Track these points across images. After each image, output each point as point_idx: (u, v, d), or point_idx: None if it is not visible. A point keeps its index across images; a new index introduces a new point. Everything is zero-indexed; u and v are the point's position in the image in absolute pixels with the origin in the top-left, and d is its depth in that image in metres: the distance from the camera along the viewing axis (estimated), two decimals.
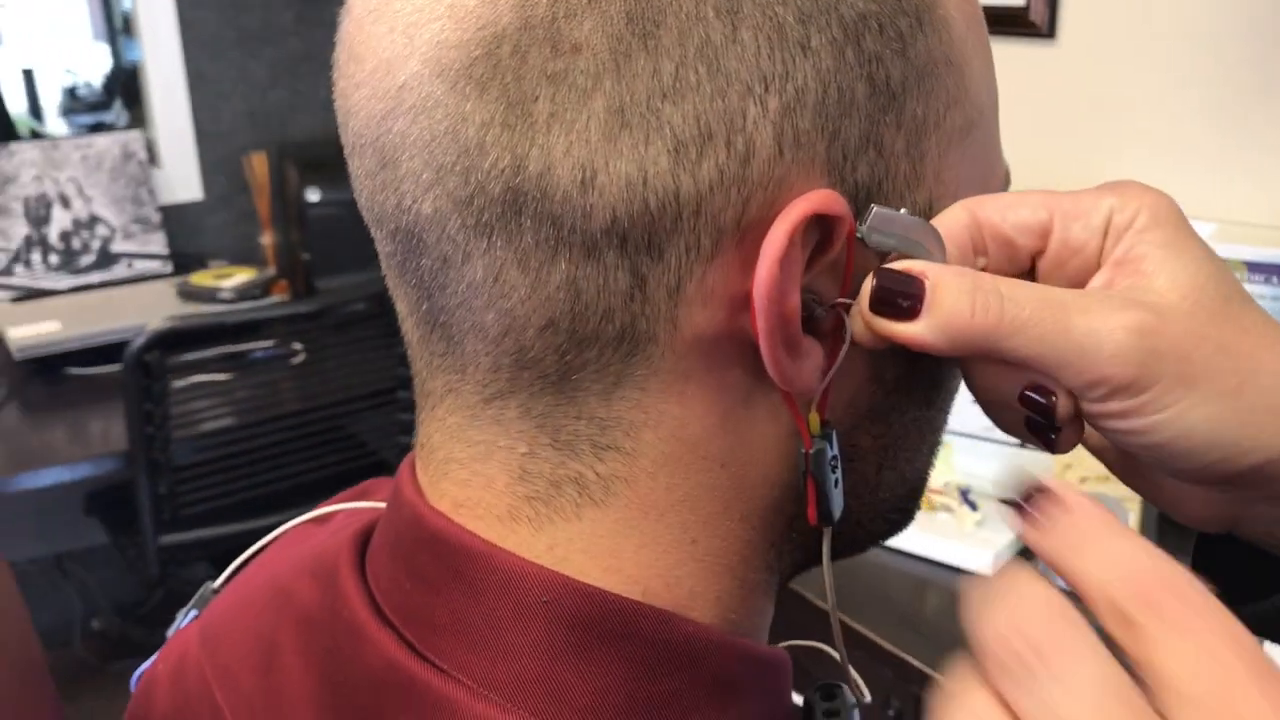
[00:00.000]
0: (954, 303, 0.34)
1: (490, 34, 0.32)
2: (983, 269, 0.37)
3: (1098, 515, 0.28)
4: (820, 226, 0.33)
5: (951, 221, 0.36)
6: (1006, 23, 1.63)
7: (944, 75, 0.35)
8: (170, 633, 0.52)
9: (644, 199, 0.32)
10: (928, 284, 0.34)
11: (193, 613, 0.52)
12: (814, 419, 0.36)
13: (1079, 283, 0.36)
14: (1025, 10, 1.62)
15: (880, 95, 0.34)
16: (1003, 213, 0.36)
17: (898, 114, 0.34)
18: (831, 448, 0.37)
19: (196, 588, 0.53)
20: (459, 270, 0.34)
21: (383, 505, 0.52)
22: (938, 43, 0.35)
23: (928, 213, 0.36)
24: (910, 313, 0.34)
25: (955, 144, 0.36)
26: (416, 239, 0.35)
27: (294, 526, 0.53)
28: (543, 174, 0.32)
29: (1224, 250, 1.39)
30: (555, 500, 0.36)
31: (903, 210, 0.35)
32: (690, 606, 0.37)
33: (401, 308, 0.39)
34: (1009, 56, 1.64)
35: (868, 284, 0.34)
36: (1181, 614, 0.26)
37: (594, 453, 0.36)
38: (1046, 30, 1.61)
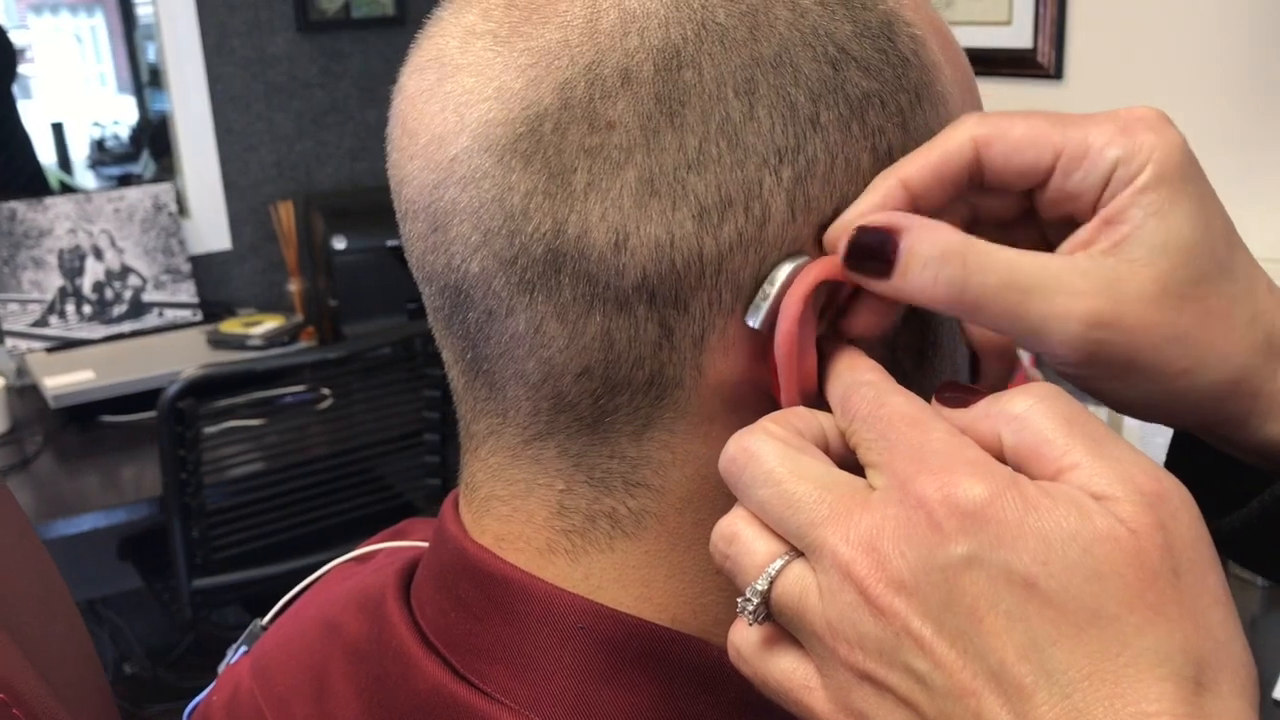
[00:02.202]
0: (918, 274, 0.34)
1: (534, 113, 0.35)
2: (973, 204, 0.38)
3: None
4: (830, 288, 0.37)
5: (954, 153, 0.36)
6: (1014, 64, 1.67)
7: None
8: (222, 668, 0.54)
9: (671, 259, 0.35)
10: (902, 246, 0.34)
11: (243, 649, 0.55)
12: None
13: (1065, 228, 0.36)
14: (1032, 52, 1.65)
15: (882, 163, 0.37)
16: (1008, 156, 0.36)
17: None
18: None
19: (229, 631, 0.55)
20: (503, 323, 0.38)
21: (421, 545, 0.55)
22: (935, 115, 0.38)
23: None
24: (884, 271, 0.35)
25: None
26: (464, 295, 0.38)
27: (337, 566, 0.56)
28: (580, 237, 0.35)
29: None
30: (590, 533, 0.39)
31: None
32: (715, 632, 0.40)
33: (448, 356, 0.42)
34: (1016, 98, 1.67)
35: (847, 237, 0.35)
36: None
37: (626, 489, 0.39)
38: (1054, 71, 1.64)
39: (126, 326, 2.50)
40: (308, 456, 2.01)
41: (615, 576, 0.39)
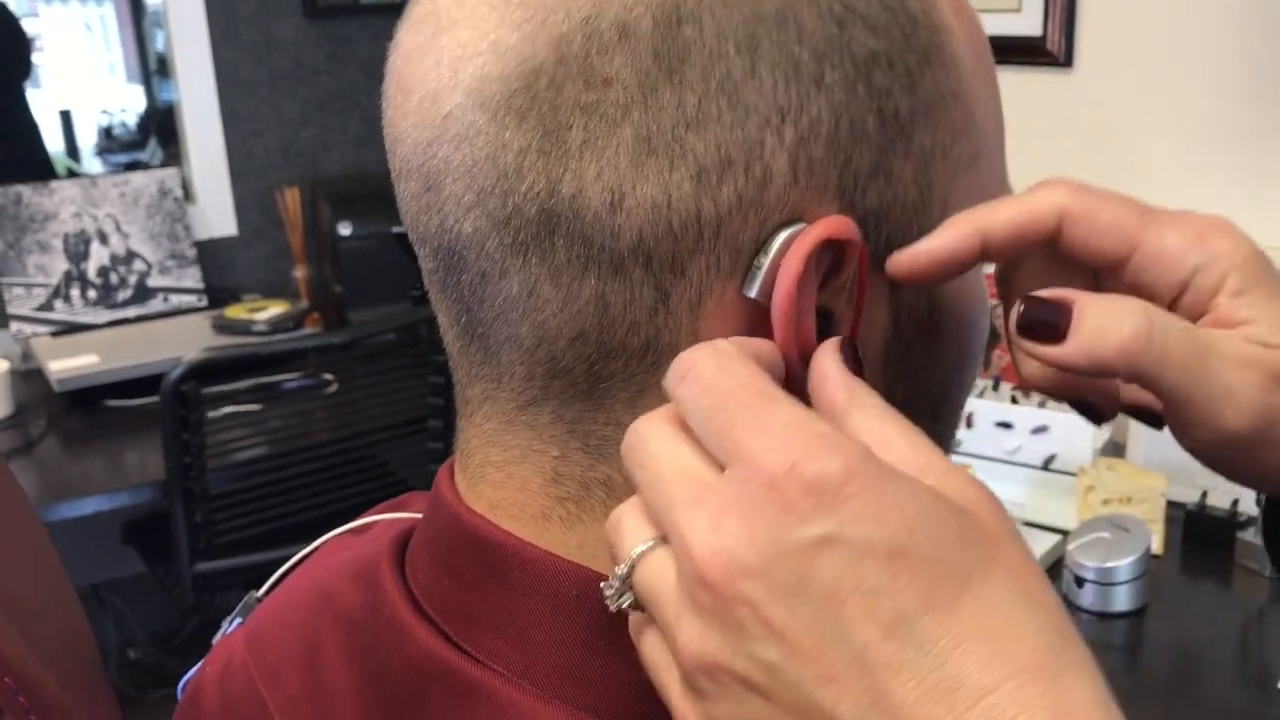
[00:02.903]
0: (1099, 325, 0.35)
1: (529, 68, 0.34)
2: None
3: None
4: (833, 250, 0.36)
5: (1040, 220, 0.37)
6: (1024, 52, 1.66)
7: (951, 108, 0.38)
8: (217, 639, 0.54)
9: (668, 220, 0.35)
10: (1075, 309, 0.35)
11: (237, 620, 0.54)
12: None
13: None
14: (1042, 40, 1.64)
15: (889, 127, 0.36)
16: (1088, 239, 0.37)
17: (906, 144, 0.37)
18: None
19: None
20: (496, 285, 0.37)
21: (418, 515, 0.55)
22: (945, 78, 0.37)
23: None
24: (1056, 336, 0.35)
25: (962, 173, 0.39)
26: (457, 256, 0.38)
27: (334, 536, 0.56)
28: (575, 197, 0.35)
29: None
30: (585, 500, 0.39)
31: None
32: None
33: (443, 320, 0.42)
34: (1026, 86, 1.66)
35: (1015, 310, 0.36)
36: None
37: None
38: (1064, 59, 1.63)
39: (131, 311, 2.51)
40: (311, 442, 2.01)
41: None
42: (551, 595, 0.38)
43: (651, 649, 0.33)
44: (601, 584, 0.33)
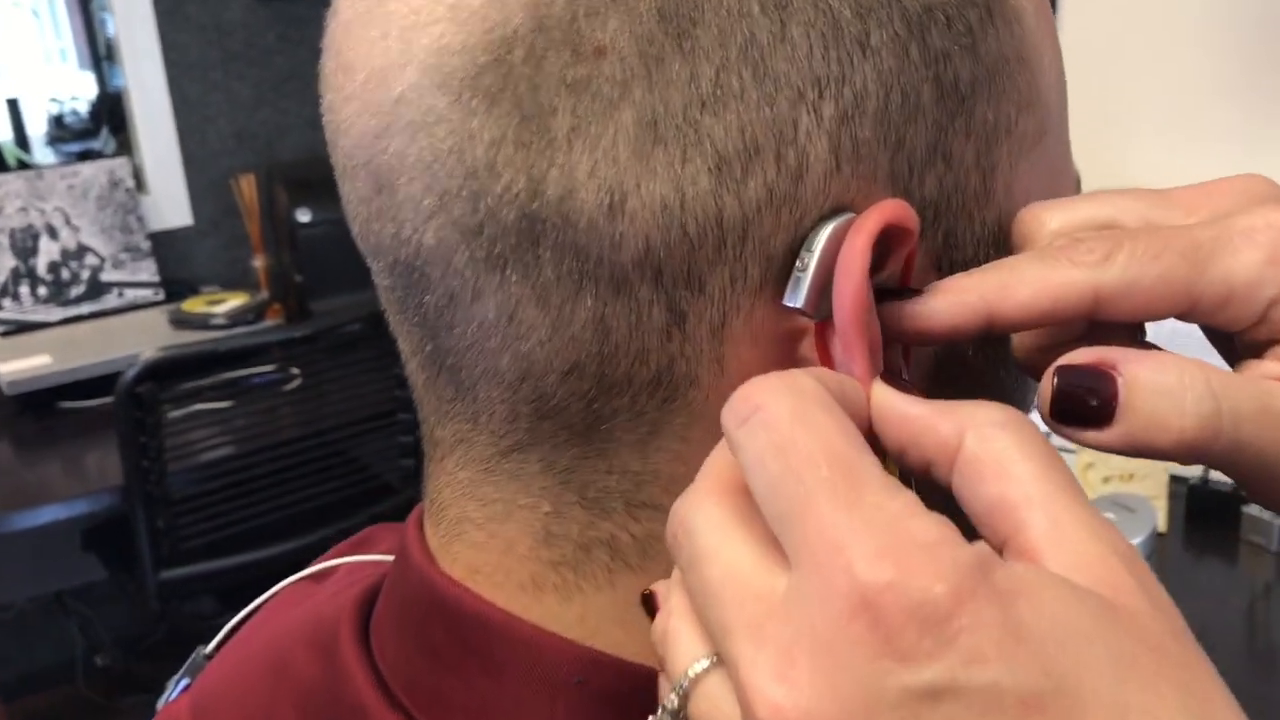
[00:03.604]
0: (1154, 412, 0.27)
1: (499, 37, 0.28)
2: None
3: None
4: (878, 244, 0.29)
5: (1068, 302, 0.29)
6: None
7: (1016, 74, 0.31)
8: (161, 704, 0.48)
9: (682, 224, 0.28)
10: (1121, 384, 0.28)
11: (184, 681, 0.49)
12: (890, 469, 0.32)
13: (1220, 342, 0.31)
14: None
15: (949, 99, 0.30)
16: (1137, 310, 0.29)
17: (967, 119, 0.30)
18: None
19: (201, 622, 0.49)
20: (468, 309, 0.30)
21: (385, 559, 0.48)
22: (1009, 37, 0.31)
23: (996, 232, 0.32)
24: (1099, 417, 0.28)
25: (1026, 153, 0.32)
26: (418, 273, 0.31)
27: (290, 584, 0.49)
28: (564, 198, 0.28)
29: None
30: (585, 565, 0.32)
31: None
32: None
33: (404, 347, 0.35)
34: None
35: (1047, 384, 0.29)
36: None
37: (628, 511, 0.32)
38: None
39: (85, 308, 2.43)
40: (277, 439, 1.95)
41: (617, 617, 0.32)
42: (547, 681, 0.32)
43: None
44: (650, 718, 0.26)
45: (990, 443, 0.25)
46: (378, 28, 0.30)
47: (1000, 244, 0.32)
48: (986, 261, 0.32)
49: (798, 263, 0.29)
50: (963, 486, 0.25)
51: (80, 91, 4.50)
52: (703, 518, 0.26)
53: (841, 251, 0.28)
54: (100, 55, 4.16)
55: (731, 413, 0.26)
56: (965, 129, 0.30)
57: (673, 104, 0.27)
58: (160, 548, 1.84)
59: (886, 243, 0.29)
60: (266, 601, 0.50)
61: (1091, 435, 0.28)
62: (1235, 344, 0.30)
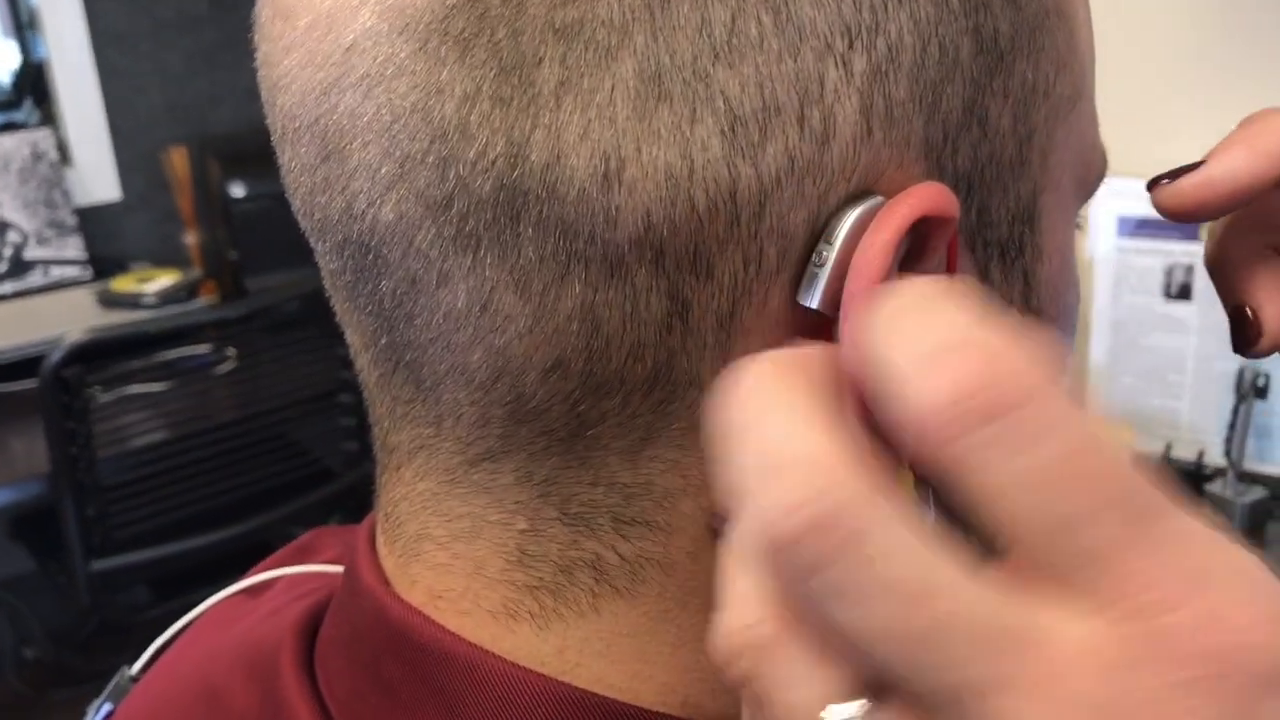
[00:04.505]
0: None
1: None
2: None
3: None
4: (913, 231, 0.25)
5: None
6: None
7: (1055, 30, 0.28)
8: None
9: (689, 197, 0.24)
10: None
11: (106, 707, 0.44)
12: (905, 476, 0.28)
13: None
14: None
15: (988, 54, 0.26)
16: None
17: (1005, 78, 0.27)
18: (929, 511, 0.28)
19: (134, 613, 0.45)
20: (433, 295, 0.26)
21: (330, 570, 0.44)
22: None
23: (1030, 207, 0.28)
24: None
25: (1062, 117, 0.29)
26: (374, 254, 0.27)
27: (223, 599, 0.45)
28: (550, 166, 0.24)
29: None
30: (565, 590, 0.28)
31: None
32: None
33: (354, 340, 0.30)
34: None
35: None
36: None
37: (616, 529, 0.28)
38: None
39: (7, 287, 2.36)
40: (213, 423, 1.91)
41: (601, 649, 0.29)
42: None
43: None
44: None
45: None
46: None
47: (1034, 220, 0.29)
48: (1022, 239, 0.28)
49: (816, 255, 0.25)
50: None
51: (1, 61, 4.36)
52: (878, 519, 0.18)
53: (860, 247, 0.24)
54: (22, 23, 4.04)
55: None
56: (1003, 89, 0.27)
57: (680, 54, 0.23)
58: (90, 537, 1.79)
59: (923, 232, 0.26)
60: (197, 618, 0.45)
61: None
62: None
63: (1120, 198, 1.41)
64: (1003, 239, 0.28)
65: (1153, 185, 0.32)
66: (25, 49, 4.06)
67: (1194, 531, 0.18)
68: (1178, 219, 0.31)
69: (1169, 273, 1.36)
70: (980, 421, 0.17)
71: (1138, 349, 1.38)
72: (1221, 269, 0.34)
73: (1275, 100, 1.19)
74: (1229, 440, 1.28)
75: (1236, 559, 0.18)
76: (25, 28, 3.97)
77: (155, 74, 2.57)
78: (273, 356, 1.94)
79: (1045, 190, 0.29)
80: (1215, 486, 1.30)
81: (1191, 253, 1.34)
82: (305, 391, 1.94)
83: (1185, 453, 1.34)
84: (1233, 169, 0.30)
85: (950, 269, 0.27)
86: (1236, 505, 1.26)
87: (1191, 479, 1.32)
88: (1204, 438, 1.34)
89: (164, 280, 2.29)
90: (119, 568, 1.82)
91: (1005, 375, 0.17)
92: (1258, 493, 1.28)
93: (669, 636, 0.28)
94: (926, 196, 0.25)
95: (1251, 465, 1.29)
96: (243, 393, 1.95)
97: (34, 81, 3.54)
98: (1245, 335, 0.33)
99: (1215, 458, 1.33)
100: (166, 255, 2.53)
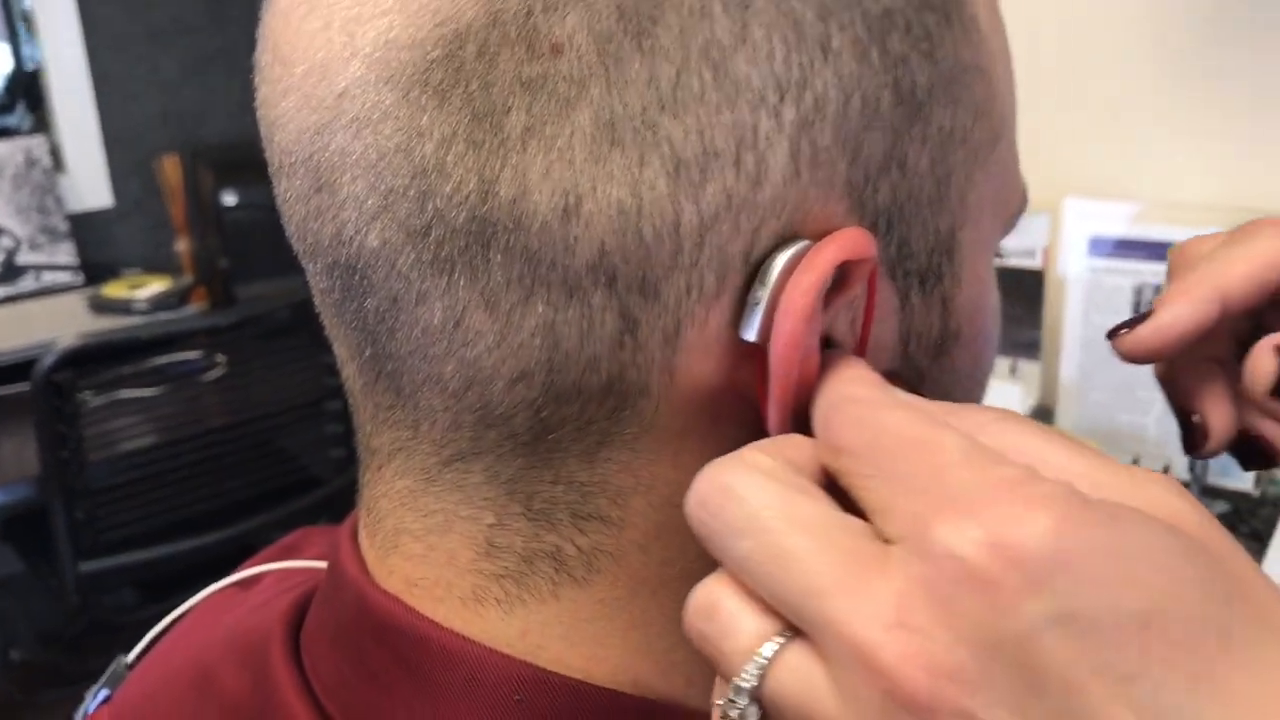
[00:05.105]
0: None
1: (451, 31, 0.26)
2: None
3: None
4: (839, 268, 0.29)
5: (1275, 264, 0.35)
6: None
7: (972, 81, 0.31)
8: (78, 716, 0.46)
9: (638, 229, 0.27)
10: None
11: (103, 693, 0.46)
12: None
13: None
14: None
15: (906, 104, 0.29)
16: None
17: (924, 126, 0.30)
18: None
19: (122, 614, 0.47)
20: (412, 313, 0.29)
21: (317, 566, 0.46)
22: (966, 44, 0.31)
23: (949, 240, 0.31)
24: None
25: (980, 160, 0.32)
26: (360, 275, 0.29)
27: (216, 591, 0.47)
28: (516, 200, 0.27)
29: (1147, 231, 1.37)
30: (528, 579, 0.31)
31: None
32: (690, 696, 0.32)
33: (341, 352, 0.33)
34: None
35: (1267, 364, 0.34)
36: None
37: (574, 523, 0.31)
38: None
39: (0, 292, 2.36)
40: (201, 428, 1.90)
41: (561, 632, 0.31)
42: (486, 700, 0.31)
43: None
44: (716, 701, 0.25)
45: (1006, 438, 0.25)
46: (319, 19, 0.28)
47: (952, 252, 0.32)
48: (940, 269, 0.32)
49: (751, 294, 0.28)
50: None
51: None
52: (758, 486, 0.25)
53: (787, 288, 0.28)
54: (16, 28, 4.04)
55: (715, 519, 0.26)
56: (921, 136, 0.30)
57: (631, 105, 0.26)
58: (80, 539, 1.79)
59: (846, 268, 0.29)
60: (190, 609, 0.48)
61: None
62: None
63: (1091, 220, 1.44)
64: (922, 268, 0.31)
65: (1114, 334, 0.37)
66: (19, 54, 4.06)
67: (950, 463, 0.24)
68: (1139, 362, 0.36)
69: (1138, 292, 1.39)
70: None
71: (1107, 366, 1.41)
72: (1171, 382, 0.39)
73: (1243, 130, 1.23)
74: None
75: (996, 469, 0.24)
76: (19, 33, 3.97)
77: (149, 82, 2.57)
78: (262, 364, 1.94)
79: (963, 225, 0.32)
80: None
81: (1160, 273, 1.37)
82: (293, 398, 1.94)
83: (1152, 467, 1.38)
84: (1178, 318, 0.35)
85: (870, 297, 0.30)
86: None
87: None
88: (1170, 453, 1.37)
89: (155, 287, 2.30)
90: (107, 569, 1.82)
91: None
92: (1221, 507, 1.31)
93: (621, 622, 0.31)
94: (846, 242, 0.28)
95: (1215, 480, 1.32)
96: (232, 399, 1.95)
97: (28, 87, 3.55)
98: (1194, 439, 0.38)
99: (1180, 472, 1.35)
100: (158, 262, 2.53)
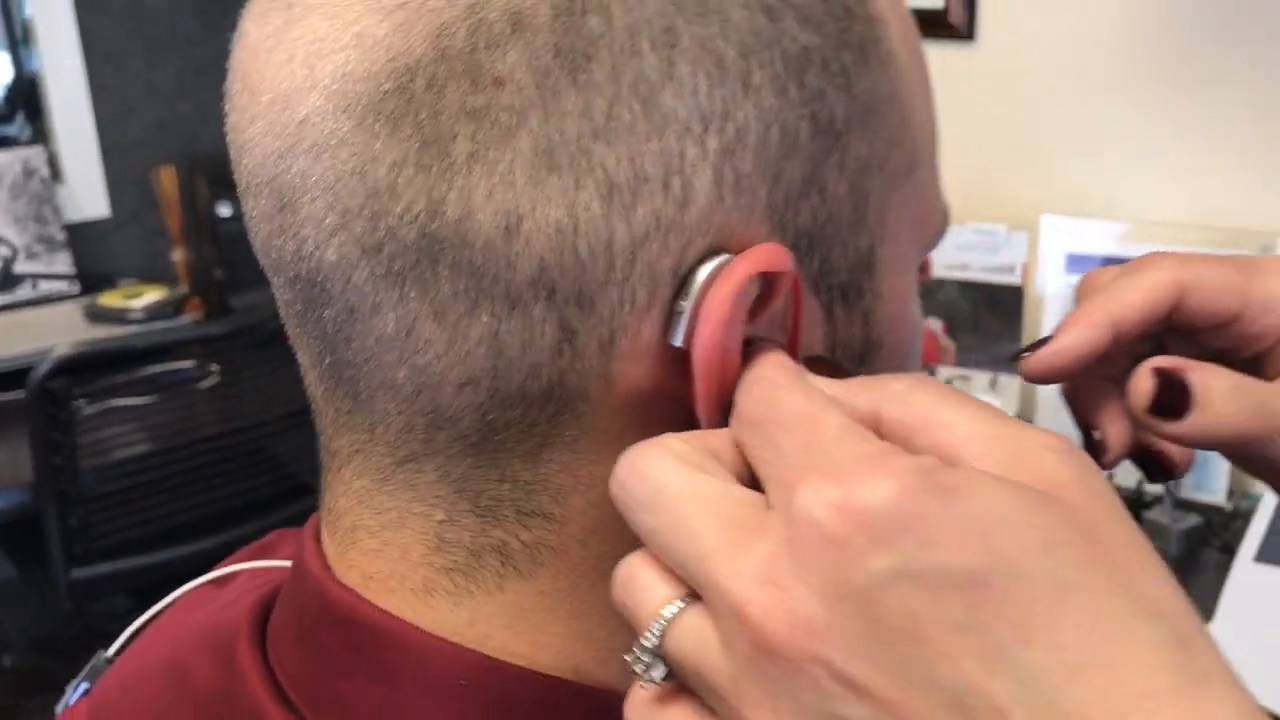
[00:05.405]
0: (1222, 407, 0.36)
1: (402, 65, 0.29)
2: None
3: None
4: (764, 278, 0.31)
5: (1162, 296, 0.38)
6: (926, 25, 1.63)
7: (888, 113, 0.33)
8: (60, 709, 0.48)
9: (574, 247, 0.29)
10: (1196, 387, 0.36)
11: (83, 686, 0.48)
12: None
13: (1252, 369, 0.39)
14: (944, 12, 1.61)
15: (824, 135, 0.31)
16: (1205, 303, 0.38)
17: (841, 155, 0.32)
18: None
19: (114, 621, 0.49)
20: (367, 323, 0.31)
21: (287, 564, 0.48)
22: (882, 78, 0.33)
23: (868, 257, 0.34)
24: (1175, 412, 0.36)
25: (897, 185, 0.34)
26: (319, 288, 0.32)
27: (192, 589, 0.49)
28: (462, 220, 0.29)
29: (1125, 249, 1.40)
30: (476, 571, 0.33)
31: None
32: (626, 681, 0.34)
33: (303, 360, 0.36)
34: (929, 59, 1.63)
35: (1145, 384, 0.37)
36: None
37: (518, 519, 0.33)
38: (965, 32, 1.61)
39: None
40: (195, 436, 1.93)
41: (505, 622, 0.33)
42: (435, 685, 0.33)
43: None
44: (626, 656, 0.28)
45: (910, 405, 0.28)
46: (284, 52, 0.31)
47: (872, 268, 0.34)
48: (861, 284, 0.34)
49: (677, 304, 0.30)
50: None
51: None
52: (662, 463, 0.28)
53: (708, 297, 0.30)
54: (17, 38, 4.05)
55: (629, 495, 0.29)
56: (839, 163, 0.32)
57: (567, 133, 0.29)
58: (72, 545, 1.81)
59: (770, 281, 0.31)
60: (168, 606, 0.50)
61: (1170, 426, 0.37)
62: (1260, 369, 0.39)
63: (1069, 237, 1.47)
64: (843, 284, 0.34)
65: (1017, 356, 0.40)
66: (19, 63, 4.08)
67: (822, 436, 0.27)
68: (1041, 383, 0.39)
69: None
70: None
71: None
72: (1074, 399, 0.41)
73: (1216, 152, 1.26)
74: None
75: (856, 444, 0.27)
76: (20, 42, 3.99)
77: (146, 93, 2.59)
78: (255, 373, 1.96)
79: (882, 244, 0.34)
80: (1154, 513, 1.35)
81: None
82: (283, 407, 1.96)
83: (1127, 480, 1.40)
84: (1074, 342, 0.38)
85: (796, 309, 0.32)
86: (1173, 531, 1.32)
87: (1132, 505, 1.37)
88: None
89: (151, 296, 2.32)
90: (99, 576, 1.84)
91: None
92: (1193, 520, 1.33)
93: (562, 612, 0.33)
94: (761, 256, 0.30)
95: (1188, 494, 1.34)
96: (225, 408, 1.98)
97: (27, 97, 3.57)
98: (1094, 453, 0.41)
99: (1154, 486, 1.38)
100: (154, 272, 2.55)
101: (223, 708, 0.38)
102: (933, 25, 1.63)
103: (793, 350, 0.33)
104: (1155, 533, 1.34)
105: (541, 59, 0.28)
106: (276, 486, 1.99)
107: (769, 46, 0.30)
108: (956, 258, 1.57)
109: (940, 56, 1.63)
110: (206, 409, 1.99)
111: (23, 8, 3.76)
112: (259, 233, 0.33)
